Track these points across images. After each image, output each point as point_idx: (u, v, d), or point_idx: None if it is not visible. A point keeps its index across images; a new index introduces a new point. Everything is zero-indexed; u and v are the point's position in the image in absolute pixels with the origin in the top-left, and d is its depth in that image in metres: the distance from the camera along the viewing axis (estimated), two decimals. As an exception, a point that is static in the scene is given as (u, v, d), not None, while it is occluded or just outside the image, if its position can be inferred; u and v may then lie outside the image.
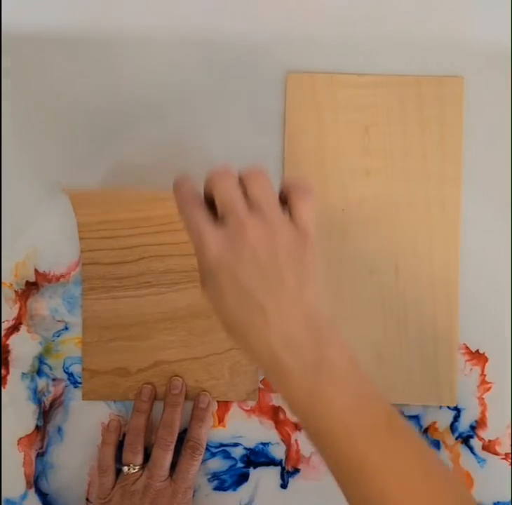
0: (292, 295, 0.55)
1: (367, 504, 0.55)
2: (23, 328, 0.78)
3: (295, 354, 0.54)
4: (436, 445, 0.78)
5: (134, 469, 0.75)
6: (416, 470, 0.55)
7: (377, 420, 0.55)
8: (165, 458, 0.74)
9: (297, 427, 0.78)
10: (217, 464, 0.79)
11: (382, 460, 0.54)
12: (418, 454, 0.56)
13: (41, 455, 0.78)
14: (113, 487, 0.75)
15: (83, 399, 0.78)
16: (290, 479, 0.79)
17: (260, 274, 0.55)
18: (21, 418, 0.78)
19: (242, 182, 0.58)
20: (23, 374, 0.78)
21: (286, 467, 0.78)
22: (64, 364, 0.78)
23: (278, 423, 0.79)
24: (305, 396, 0.54)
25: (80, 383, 0.78)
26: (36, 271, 0.78)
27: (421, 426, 0.79)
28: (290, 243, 0.56)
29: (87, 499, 0.79)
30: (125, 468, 0.75)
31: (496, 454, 0.78)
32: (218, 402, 0.78)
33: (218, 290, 0.56)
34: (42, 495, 0.78)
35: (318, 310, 0.56)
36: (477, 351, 0.78)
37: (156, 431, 0.76)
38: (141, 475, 0.74)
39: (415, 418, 0.78)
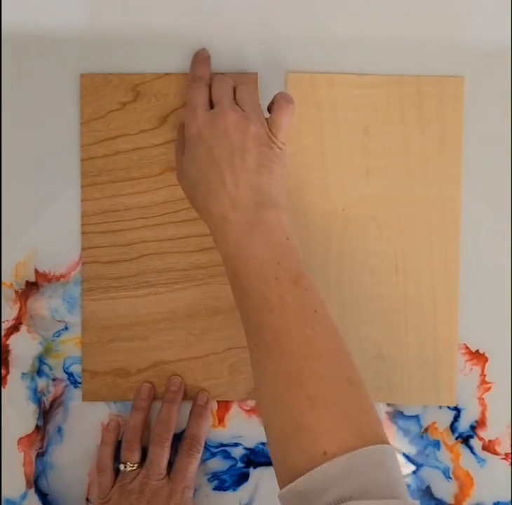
0: (248, 172, 0.66)
1: (267, 351, 0.61)
2: (23, 328, 0.78)
3: (239, 214, 0.65)
4: (436, 445, 0.78)
5: (131, 467, 0.75)
6: (315, 324, 0.62)
7: (287, 274, 0.63)
8: (161, 455, 0.74)
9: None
10: (217, 464, 0.79)
11: (284, 308, 0.62)
12: (317, 311, 0.63)
13: (41, 455, 0.78)
14: (112, 487, 0.75)
15: (83, 400, 0.78)
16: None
17: (228, 151, 0.66)
18: (21, 418, 0.78)
19: (234, 85, 0.71)
20: (23, 374, 0.78)
21: (286, 467, 0.78)
22: (64, 364, 0.78)
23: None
24: (237, 248, 0.64)
25: (80, 383, 0.78)
26: (36, 271, 0.78)
27: (421, 426, 0.79)
28: (261, 136, 0.68)
29: (87, 499, 0.79)
30: (122, 466, 0.75)
31: (496, 454, 0.79)
32: (218, 402, 0.78)
33: (193, 156, 0.68)
34: (42, 495, 0.78)
35: (266, 190, 0.66)
36: (477, 351, 0.78)
37: (152, 428, 0.76)
38: (138, 474, 0.74)
39: (415, 418, 0.78)
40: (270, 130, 0.68)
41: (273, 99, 0.70)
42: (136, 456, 0.75)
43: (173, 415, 0.76)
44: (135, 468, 0.75)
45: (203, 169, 0.67)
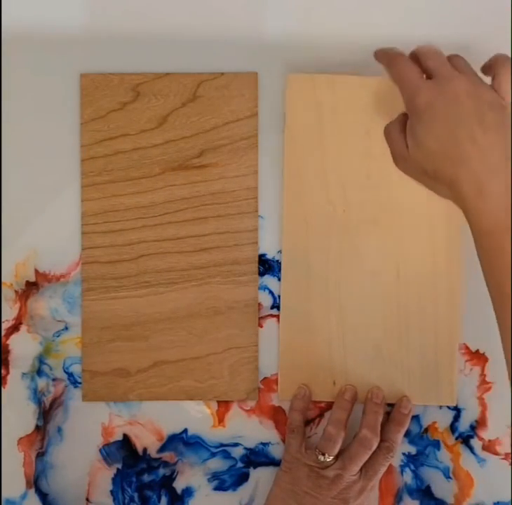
0: (492, 134, 0.63)
1: None
2: (23, 328, 0.78)
3: (496, 184, 0.62)
4: (436, 445, 0.78)
5: (328, 458, 0.74)
6: None
7: None
8: (363, 457, 0.74)
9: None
10: (217, 464, 0.79)
11: None
12: None
13: (41, 455, 0.78)
14: (298, 451, 0.76)
15: (83, 400, 0.78)
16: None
17: (467, 117, 0.63)
18: (21, 418, 0.78)
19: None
20: (23, 374, 0.78)
21: (286, 467, 0.79)
22: (64, 364, 0.78)
23: (278, 423, 0.79)
24: (494, 225, 0.62)
25: (80, 383, 0.78)
26: (36, 271, 0.78)
27: (421, 426, 0.79)
28: (492, 99, 0.65)
29: (87, 499, 0.79)
30: (321, 457, 0.75)
31: (496, 454, 0.79)
32: (218, 402, 0.78)
33: (429, 127, 0.65)
34: (42, 495, 0.78)
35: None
36: (477, 351, 0.78)
37: (360, 430, 0.76)
38: (333, 464, 0.75)
39: (415, 418, 0.78)
40: (497, 91, 0.66)
41: (493, 61, 0.69)
42: (336, 449, 0.75)
43: (379, 422, 0.76)
44: (330, 460, 0.75)
45: (444, 136, 0.64)
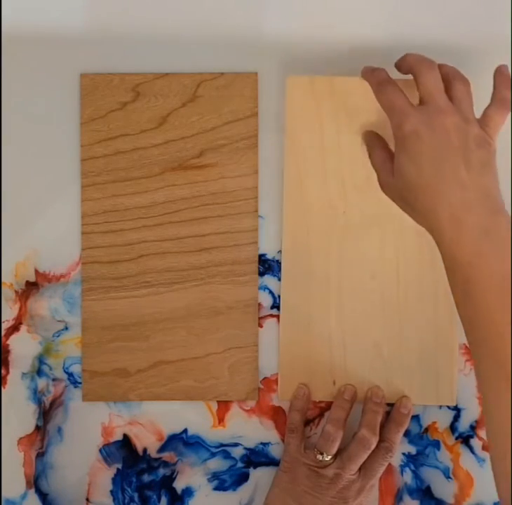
0: (475, 173, 0.64)
1: (505, 380, 0.61)
2: (23, 328, 0.78)
3: (472, 216, 0.63)
4: (436, 445, 0.78)
5: (327, 458, 0.75)
6: None
7: None
8: (362, 457, 0.75)
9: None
10: (217, 464, 0.79)
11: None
12: None
13: (41, 455, 0.79)
14: (298, 451, 0.76)
15: (83, 400, 0.78)
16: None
17: (452, 151, 0.64)
18: (21, 418, 0.78)
19: (446, 78, 0.68)
20: (23, 374, 0.78)
21: (286, 467, 0.79)
22: (64, 364, 0.78)
23: (278, 423, 0.79)
24: (472, 255, 0.62)
25: (80, 383, 0.78)
26: (36, 271, 0.78)
27: (421, 426, 0.79)
28: (481, 137, 0.65)
29: (87, 499, 0.79)
30: (320, 456, 0.75)
31: (496, 454, 0.78)
32: (218, 402, 0.78)
33: (413, 157, 0.65)
34: (42, 495, 0.78)
35: (494, 194, 0.64)
36: (478, 351, 0.78)
37: (357, 430, 0.76)
38: (332, 463, 0.75)
39: (415, 418, 0.78)
40: (484, 128, 0.67)
41: (494, 97, 0.68)
42: (334, 448, 0.75)
43: (379, 422, 0.76)
44: (329, 459, 0.75)
45: (427, 168, 0.64)
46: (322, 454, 0.74)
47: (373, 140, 0.74)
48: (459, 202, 0.63)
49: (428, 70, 0.67)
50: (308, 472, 0.75)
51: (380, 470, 0.76)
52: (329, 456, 0.74)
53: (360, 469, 0.75)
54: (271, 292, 0.78)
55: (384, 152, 0.71)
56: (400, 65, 0.71)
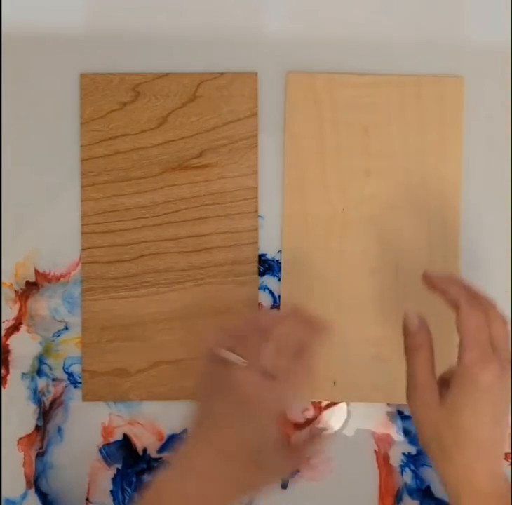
0: (500, 438, 0.63)
1: None
2: (23, 328, 0.78)
3: (486, 486, 0.62)
4: (436, 445, 0.79)
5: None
6: None
7: None
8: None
9: (296, 427, 0.78)
10: (217, 464, 0.79)
11: None
12: None
13: (41, 455, 0.78)
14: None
15: (83, 400, 0.78)
16: (289, 479, 0.79)
17: (491, 408, 0.61)
18: (21, 418, 0.78)
19: (487, 319, 0.63)
20: (23, 374, 0.78)
21: (286, 467, 0.79)
22: (64, 364, 0.78)
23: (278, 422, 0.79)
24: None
25: (80, 383, 0.78)
26: (36, 271, 0.78)
27: (421, 426, 0.79)
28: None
29: (87, 499, 0.79)
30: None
31: (496, 454, 0.78)
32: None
33: (478, 408, 0.62)
34: (42, 495, 0.78)
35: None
36: (477, 351, 0.78)
37: None
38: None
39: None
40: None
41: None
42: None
43: None
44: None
45: (488, 423, 0.62)
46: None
47: (424, 348, 0.66)
48: (481, 472, 0.62)
49: (476, 318, 0.63)
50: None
51: None
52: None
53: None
54: (271, 292, 0.78)
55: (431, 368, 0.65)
56: (436, 286, 0.67)
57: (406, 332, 0.65)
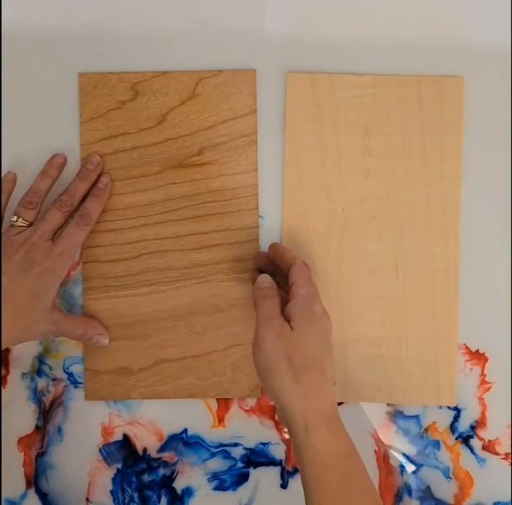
0: (334, 367, 0.71)
1: None
2: (23, 328, 0.78)
3: (330, 408, 0.68)
4: (436, 445, 0.78)
5: (22, 223, 0.74)
6: None
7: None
8: (56, 217, 0.74)
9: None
10: (217, 464, 0.79)
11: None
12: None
13: (41, 455, 0.78)
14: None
15: (86, 399, 0.78)
16: (289, 479, 0.78)
17: (325, 335, 0.71)
18: (21, 418, 0.78)
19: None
20: (23, 374, 0.78)
21: (286, 467, 0.78)
22: (64, 364, 0.78)
23: (278, 423, 0.79)
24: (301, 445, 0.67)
25: (80, 383, 0.78)
26: (35, 270, 0.78)
27: (421, 426, 0.79)
28: None
29: (87, 499, 0.78)
30: (14, 218, 0.74)
31: (496, 454, 0.79)
32: (218, 401, 0.78)
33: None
34: (42, 495, 0.78)
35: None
36: (477, 351, 0.78)
37: (58, 196, 0.75)
38: (25, 230, 0.73)
39: (415, 418, 0.78)
40: None
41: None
42: (31, 215, 0.74)
43: (80, 190, 0.75)
44: (24, 225, 0.73)
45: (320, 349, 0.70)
46: (17, 218, 0.74)
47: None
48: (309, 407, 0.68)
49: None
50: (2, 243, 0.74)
51: (74, 240, 0.74)
52: (26, 223, 0.74)
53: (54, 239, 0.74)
54: (271, 290, 0.78)
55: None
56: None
57: (258, 286, 0.72)
